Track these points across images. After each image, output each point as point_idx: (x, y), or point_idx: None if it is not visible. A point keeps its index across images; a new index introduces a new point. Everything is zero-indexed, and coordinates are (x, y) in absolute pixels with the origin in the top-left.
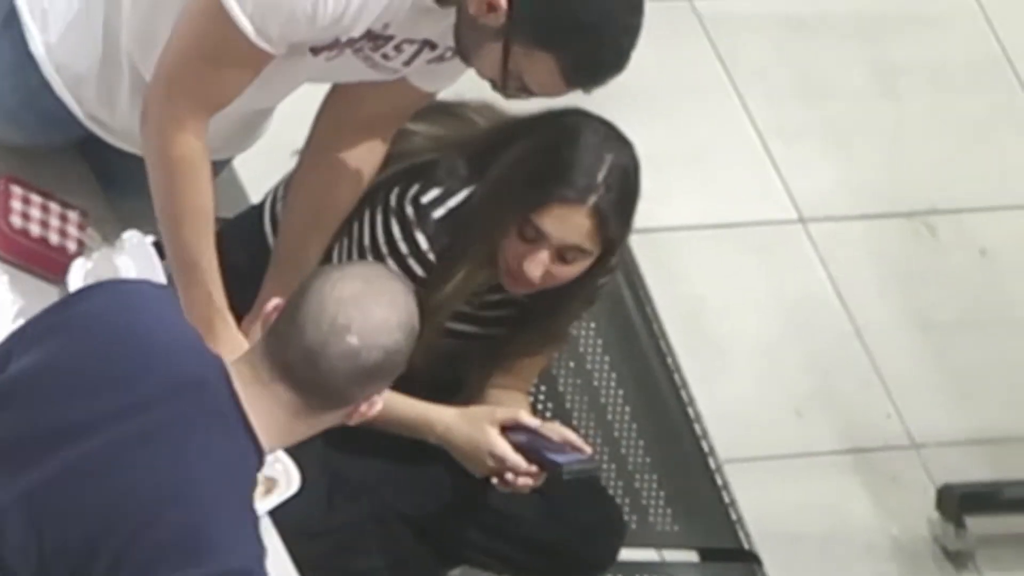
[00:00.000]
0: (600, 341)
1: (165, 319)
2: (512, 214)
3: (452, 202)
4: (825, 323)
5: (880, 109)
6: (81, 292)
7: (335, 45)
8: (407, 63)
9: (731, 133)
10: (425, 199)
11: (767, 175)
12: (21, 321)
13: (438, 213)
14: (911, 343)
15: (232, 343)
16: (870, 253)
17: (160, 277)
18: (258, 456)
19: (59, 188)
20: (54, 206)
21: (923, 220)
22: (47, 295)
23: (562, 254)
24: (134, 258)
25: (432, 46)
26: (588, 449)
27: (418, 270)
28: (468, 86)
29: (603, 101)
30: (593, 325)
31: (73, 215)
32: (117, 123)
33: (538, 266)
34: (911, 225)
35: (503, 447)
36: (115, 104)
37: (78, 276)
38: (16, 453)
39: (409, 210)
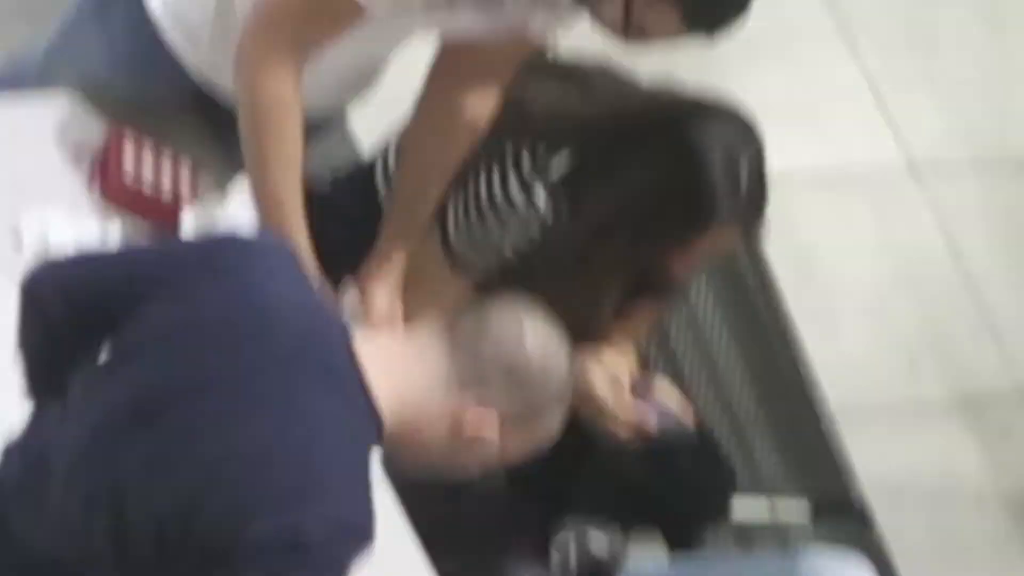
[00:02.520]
0: (711, 292)
1: (288, 278)
2: (663, 252)
3: (570, 165)
4: (936, 271)
5: (990, 57)
6: (210, 246)
7: None
8: (523, 12)
9: (841, 80)
10: (542, 154)
11: (877, 123)
12: None
13: (556, 169)
14: (1023, 289)
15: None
16: (981, 200)
17: None
18: (376, 424)
19: (171, 139)
20: (166, 157)
21: None
22: None
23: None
24: (245, 208)
25: None
26: (689, 422)
27: (535, 226)
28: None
29: (715, 51)
30: (704, 276)
31: (185, 166)
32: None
33: (688, 269)
34: (1022, 170)
35: (604, 388)
36: (228, 57)
37: (189, 227)
38: (137, 411)
39: (527, 166)
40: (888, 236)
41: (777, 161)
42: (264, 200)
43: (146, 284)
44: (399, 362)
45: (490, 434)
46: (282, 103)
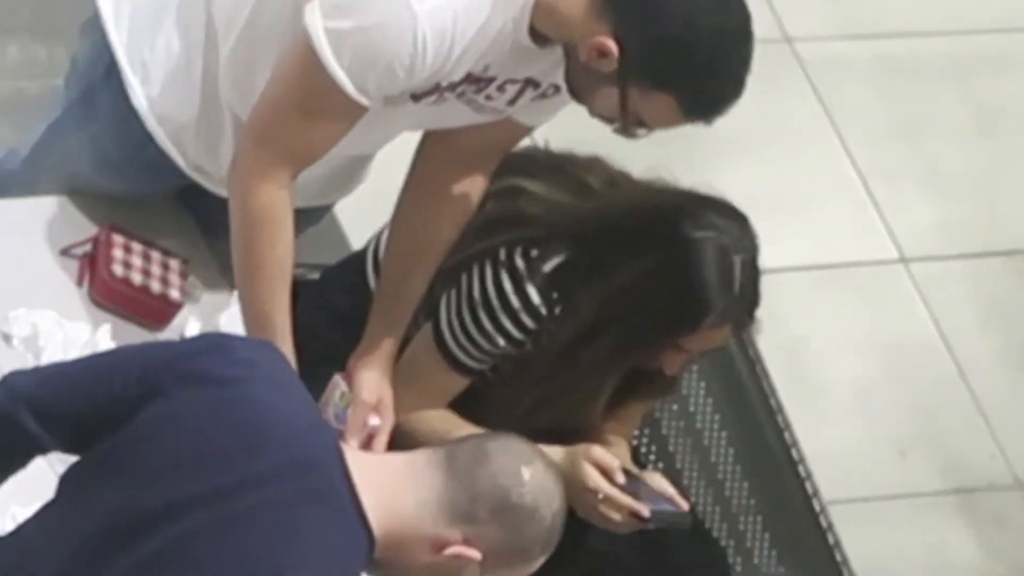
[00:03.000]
0: (703, 384)
1: (282, 391)
2: (655, 350)
3: (562, 263)
4: (927, 363)
5: (979, 148)
6: (203, 354)
7: (436, 90)
8: (511, 103)
9: (832, 174)
10: (535, 252)
11: (868, 216)
12: None
13: (548, 266)
14: (1014, 382)
15: None
16: (971, 292)
17: None
18: (369, 542)
19: (160, 236)
20: (155, 254)
21: None
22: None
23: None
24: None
25: (535, 84)
26: (684, 504)
27: (529, 323)
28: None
29: (706, 145)
30: (696, 368)
31: (174, 263)
32: (219, 171)
33: (679, 368)
34: (1012, 263)
35: (596, 478)
36: (217, 153)
37: (192, 332)
38: (122, 530)
39: (520, 263)
40: (879, 328)
41: (768, 255)
42: (252, 313)
43: (132, 394)
44: (392, 482)
45: (471, 569)
46: (274, 216)
